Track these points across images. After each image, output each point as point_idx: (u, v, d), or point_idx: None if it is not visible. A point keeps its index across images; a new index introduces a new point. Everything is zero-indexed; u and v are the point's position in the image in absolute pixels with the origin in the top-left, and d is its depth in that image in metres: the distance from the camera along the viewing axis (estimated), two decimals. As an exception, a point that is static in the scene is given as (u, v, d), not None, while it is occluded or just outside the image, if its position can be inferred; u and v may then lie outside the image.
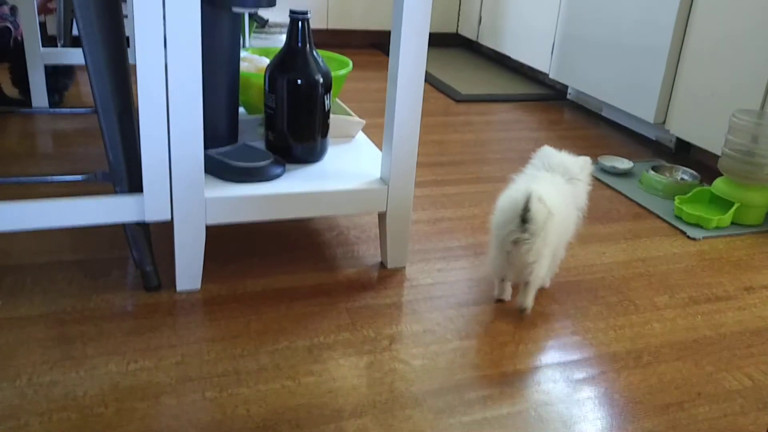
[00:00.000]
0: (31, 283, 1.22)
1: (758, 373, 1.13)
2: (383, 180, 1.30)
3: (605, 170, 1.99)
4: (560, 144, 1.98)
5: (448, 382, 1.05)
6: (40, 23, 2.11)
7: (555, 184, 1.28)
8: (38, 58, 2.08)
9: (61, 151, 1.83)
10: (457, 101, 2.70)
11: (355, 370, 1.06)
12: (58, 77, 2.26)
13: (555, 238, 1.22)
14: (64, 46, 2.52)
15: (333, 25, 3.40)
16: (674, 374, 1.11)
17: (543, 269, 1.21)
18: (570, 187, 1.31)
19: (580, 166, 1.34)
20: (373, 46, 3.59)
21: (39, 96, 2.12)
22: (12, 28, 2.10)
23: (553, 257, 1.29)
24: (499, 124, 2.44)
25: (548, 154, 1.34)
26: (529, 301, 1.24)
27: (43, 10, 2.42)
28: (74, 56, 2.17)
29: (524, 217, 1.15)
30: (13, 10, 2.07)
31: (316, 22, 3.36)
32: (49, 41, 2.29)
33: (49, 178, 1.22)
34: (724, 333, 1.24)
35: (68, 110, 1.82)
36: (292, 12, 1.26)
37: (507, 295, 1.30)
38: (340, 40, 3.53)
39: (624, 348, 1.17)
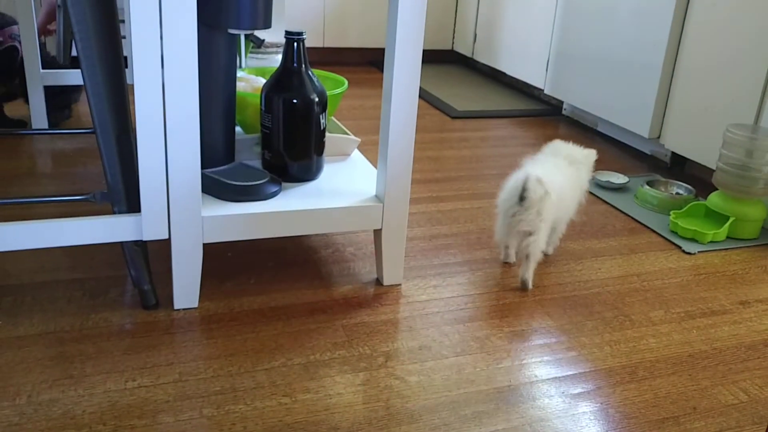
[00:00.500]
0: (31, 302, 1.23)
1: (754, 388, 1.14)
2: (378, 197, 1.31)
3: (601, 185, 2.01)
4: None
5: (444, 398, 1.05)
6: (40, 44, 2.14)
7: (557, 166, 1.49)
8: (38, 79, 2.10)
9: (61, 171, 1.85)
10: (453, 117, 2.72)
11: (351, 387, 1.06)
12: (70, 93, 2.28)
13: (552, 215, 1.41)
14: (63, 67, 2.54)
15: (329, 43, 3.43)
16: (669, 389, 1.12)
17: (541, 243, 1.39)
18: (572, 169, 1.52)
19: (584, 154, 1.57)
20: (369, 63, 3.62)
21: (39, 117, 2.14)
22: (20, 48, 2.12)
23: (554, 231, 1.52)
24: (494, 140, 2.46)
25: (557, 146, 1.58)
26: (529, 274, 1.41)
27: (44, 31, 2.45)
28: (74, 77, 2.19)
29: (522, 195, 1.35)
30: None
31: (312, 41, 3.39)
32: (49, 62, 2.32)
33: (48, 198, 1.23)
34: (720, 347, 1.25)
35: (68, 131, 1.84)
36: (287, 33, 1.28)
37: (511, 259, 1.53)
38: (336, 58, 3.56)
39: (619, 363, 1.18)
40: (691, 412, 1.07)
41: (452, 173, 2.06)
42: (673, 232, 1.74)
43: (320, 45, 3.42)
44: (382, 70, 3.45)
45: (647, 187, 1.91)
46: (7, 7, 2.42)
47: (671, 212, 1.77)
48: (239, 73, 1.58)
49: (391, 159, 1.26)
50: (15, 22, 2.14)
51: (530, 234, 1.37)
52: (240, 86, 1.52)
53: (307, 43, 3.37)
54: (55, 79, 2.18)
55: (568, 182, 1.48)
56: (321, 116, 1.32)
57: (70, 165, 1.90)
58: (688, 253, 1.63)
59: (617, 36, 2.37)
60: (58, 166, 1.88)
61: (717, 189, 1.77)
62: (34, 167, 1.87)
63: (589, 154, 1.58)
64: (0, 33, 2.12)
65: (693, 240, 1.69)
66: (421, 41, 1.19)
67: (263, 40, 1.33)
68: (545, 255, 1.55)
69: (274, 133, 1.31)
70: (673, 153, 2.24)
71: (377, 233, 1.33)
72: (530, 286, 1.42)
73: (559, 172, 1.47)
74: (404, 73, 1.21)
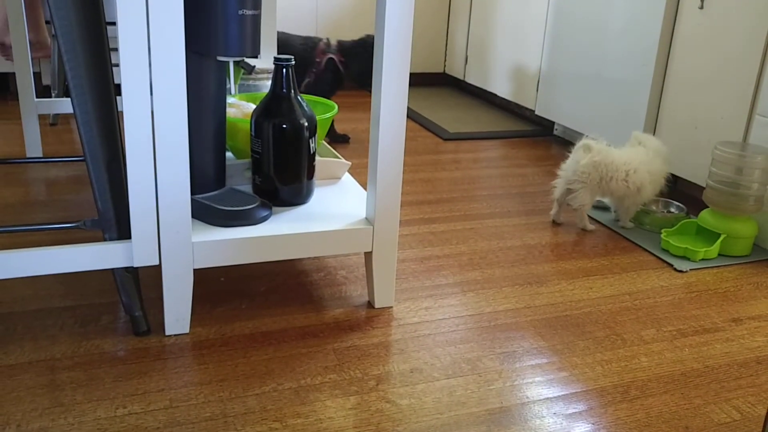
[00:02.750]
0: (22, 331, 1.22)
1: (746, 405, 1.14)
2: (368, 220, 1.32)
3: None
4: (547, 179, 2.01)
5: (435, 421, 1.05)
6: (34, 73, 2.16)
7: (637, 151, 1.83)
8: (32, 108, 2.11)
9: (54, 198, 1.85)
10: (445, 139, 2.74)
11: (342, 411, 1.06)
12: None
13: (596, 181, 1.78)
14: (58, 96, 2.56)
15: (323, 67, 3.45)
16: (662, 408, 1.12)
17: (580, 200, 1.81)
18: (649, 157, 1.82)
19: (654, 144, 1.86)
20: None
21: (33, 146, 2.15)
22: (335, 59, 2.51)
23: (623, 208, 1.86)
24: (486, 161, 2.47)
25: (636, 134, 1.91)
26: (583, 223, 1.86)
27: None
28: (69, 106, 2.20)
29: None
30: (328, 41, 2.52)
31: (306, 66, 3.42)
32: (43, 91, 2.34)
33: (38, 226, 1.23)
34: (712, 365, 1.25)
35: (61, 159, 1.85)
36: (276, 59, 1.30)
37: (560, 219, 1.90)
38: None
39: (611, 383, 1.18)
40: None
41: (444, 195, 2.07)
42: (664, 250, 1.74)
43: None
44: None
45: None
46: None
47: (663, 230, 1.78)
48: (230, 100, 1.59)
49: (380, 182, 1.27)
50: (320, 39, 2.54)
51: (571, 192, 1.81)
52: (231, 112, 1.53)
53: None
54: (50, 108, 2.19)
55: (640, 174, 1.78)
56: (311, 140, 1.33)
57: (64, 192, 1.90)
58: (680, 271, 1.64)
59: (606, 57, 2.39)
60: (51, 194, 1.89)
61: (708, 206, 1.78)
62: (27, 195, 1.87)
63: (658, 146, 1.86)
64: (317, 54, 2.50)
65: (684, 258, 1.70)
66: (408, 65, 1.21)
67: (254, 67, 1.35)
68: (623, 227, 1.89)
69: (264, 158, 1.32)
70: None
71: (368, 256, 1.34)
72: (589, 228, 1.86)
73: (636, 157, 1.80)
74: (392, 97, 1.22)
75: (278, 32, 2.59)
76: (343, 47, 2.52)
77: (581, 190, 1.80)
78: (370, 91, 2.69)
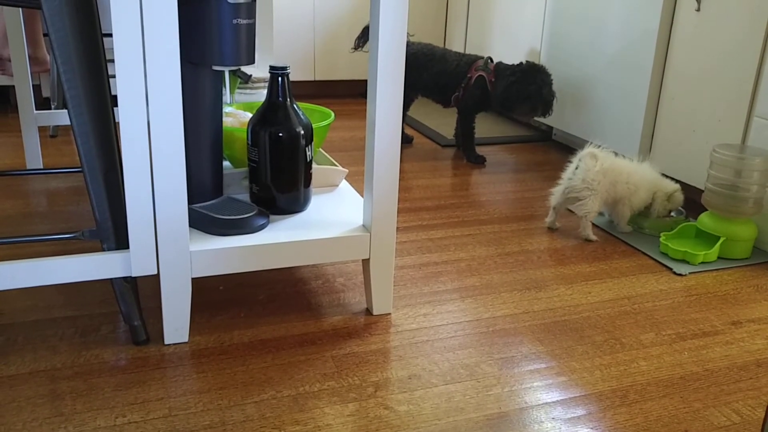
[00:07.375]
0: (23, 341, 1.23)
1: (746, 409, 1.13)
2: (365, 227, 1.32)
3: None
4: (547, 185, 2.01)
5: (434, 427, 1.05)
6: (34, 85, 2.16)
7: (640, 166, 1.87)
8: (32, 120, 2.12)
9: (54, 209, 1.86)
10: (443, 146, 2.74)
11: (341, 418, 1.06)
12: None
13: (604, 189, 1.79)
14: (57, 108, 2.57)
15: (320, 76, 3.47)
16: (661, 412, 1.12)
17: (587, 208, 1.79)
18: (652, 173, 1.87)
19: (673, 191, 1.86)
20: (360, 95, 3.65)
21: (33, 157, 2.16)
22: (486, 77, 2.47)
23: (615, 211, 1.87)
24: (485, 166, 2.48)
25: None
26: (586, 232, 1.82)
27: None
28: (67, 117, 2.21)
29: (576, 165, 1.81)
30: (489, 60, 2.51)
31: (303, 74, 3.43)
32: (43, 103, 2.34)
33: (37, 237, 1.24)
34: (712, 369, 1.25)
35: (61, 170, 1.87)
36: (271, 68, 1.30)
37: (553, 225, 1.90)
38: (327, 90, 3.60)
39: (610, 387, 1.18)
40: (683, 435, 1.06)
41: (442, 201, 2.07)
42: (663, 253, 1.74)
43: (311, 78, 3.46)
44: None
45: (637, 209, 1.92)
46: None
47: (661, 234, 1.78)
48: (227, 109, 1.60)
49: (376, 189, 1.27)
50: (480, 57, 2.53)
51: (578, 200, 1.80)
52: (228, 121, 1.53)
53: (299, 77, 3.41)
54: (49, 120, 2.20)
55: (639, 174, 1.83)
56: (307, 148, 1.34)
57: (64, 203, 1.91)
58: (679, 275, 1.64)
59: (603, 61, 2.40)
60: (51, 205, 1.90)
61: (707, 209, 1.78)
62: (27, 207, 1.88)
63: (675, 194, 1.87)
64: (470, 70, 2.49)
65: (684, 261, 1.70)
66: (402, 70, 1.21)
67: (250, 75, 1.36)
68: (622, 232, 1.89)
69: (261, 166, 1.33)
70: (662, 175, 2.25)
71: (365, 263, 1.34)
72: (592, 239, 1.82)
73: (635, 164, 1.85)
74: (387, 103, 1.22)
75: (431, 45, 2.59)
76: (498, 68, 2.47)
77: (591, 197, 1.79)
78: (514, 116, 2.60)
